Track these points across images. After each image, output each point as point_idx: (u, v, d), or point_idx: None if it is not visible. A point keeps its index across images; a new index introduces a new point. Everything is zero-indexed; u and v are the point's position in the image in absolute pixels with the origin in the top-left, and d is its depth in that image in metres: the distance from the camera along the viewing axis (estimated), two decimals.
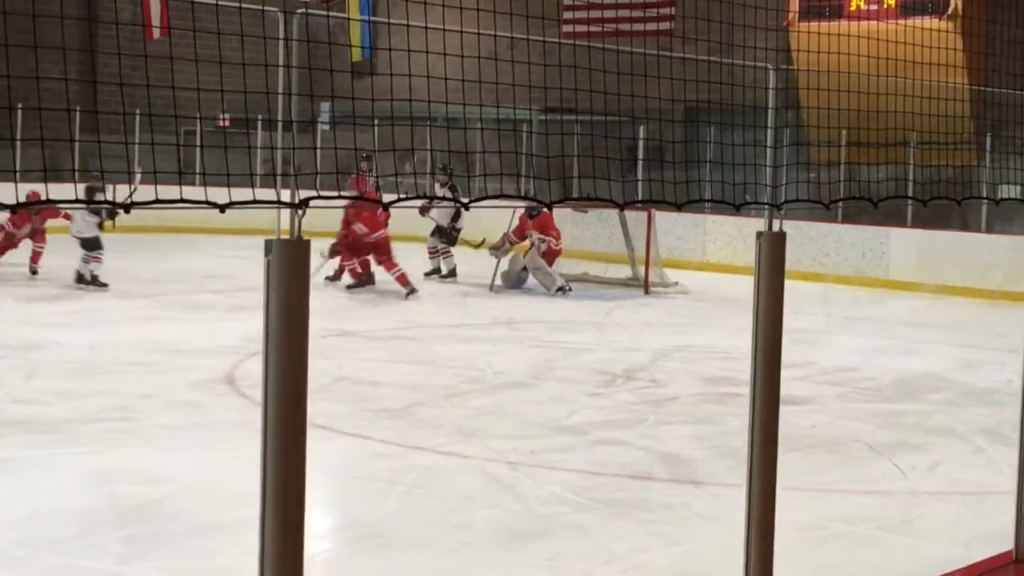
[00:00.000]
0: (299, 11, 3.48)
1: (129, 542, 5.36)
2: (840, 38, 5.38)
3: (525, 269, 16.03)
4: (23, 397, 8.33)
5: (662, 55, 5.01)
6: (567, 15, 22.66)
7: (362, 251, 14.95)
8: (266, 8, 3.50)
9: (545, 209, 15.51)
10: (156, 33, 17.89)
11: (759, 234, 4.10)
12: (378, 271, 15.01)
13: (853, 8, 20.18)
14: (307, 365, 3.04)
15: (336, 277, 15.24)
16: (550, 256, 15.83)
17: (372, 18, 25.77)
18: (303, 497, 3.03)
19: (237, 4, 3.38)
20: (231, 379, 9.14)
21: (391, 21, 4.03)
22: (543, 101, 4.46)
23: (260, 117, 3.69)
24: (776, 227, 4.17)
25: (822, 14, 20.09)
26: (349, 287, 14.99)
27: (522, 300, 14.87)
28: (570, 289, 15.59)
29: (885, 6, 19.85)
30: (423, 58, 3.60)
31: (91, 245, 14.17)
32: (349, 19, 26.11)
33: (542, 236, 15.67)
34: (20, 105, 3.11)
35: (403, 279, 14.72)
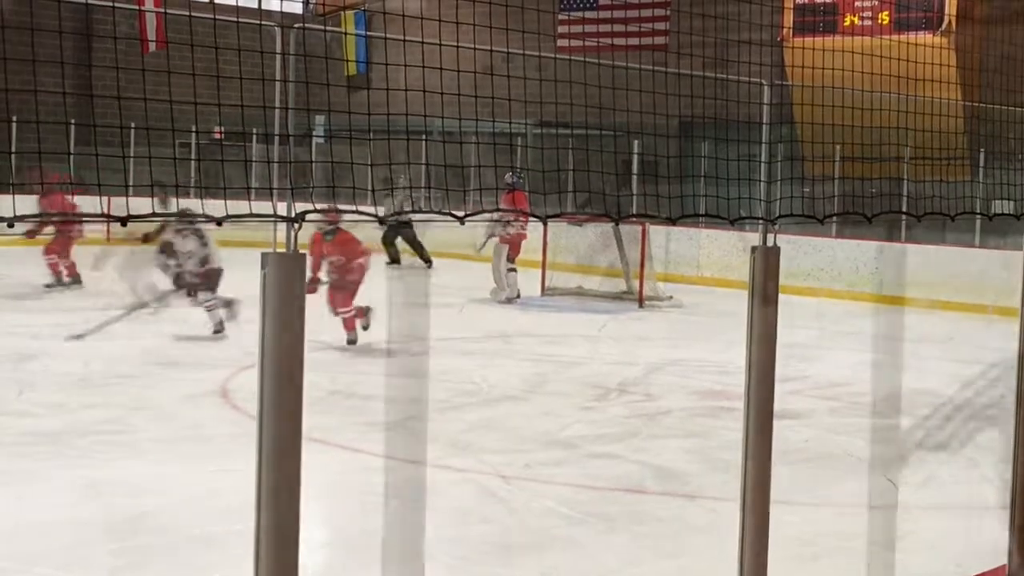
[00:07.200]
0: (296, 26, 3.50)
1: (120, 555, 5.35)
2: (834, 53, 5.40)
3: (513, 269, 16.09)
4: (15, 409, 8.31)
5: (656, 70, 5.02)
6: (562, 29, 22.74)
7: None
8: (263, 23, 3.51)
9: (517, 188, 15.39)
10: (153, 47, 17.91)
11: (753, 248, 4.11)
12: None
13: (847, 24, 20.25)
14: (302, 378, 3.04)
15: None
16: (514, 244, 15.81)
17: (368, 33, 25.80)
18: (298, 510, 3.03)
19: (235, 19, 3.39)
20: (224, 392, 9.13)
21: (387, 36, 4.04)
22: (538, 115, 4.47)
23: (255, 130, 3.69)
24: (770, 241, 4.18)
25: (816, 29, 20.16)
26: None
27: (514, 314, 14.86)
28: (518, 298, 15.83)
29: (879, 22, 19.92)
30: (418, 72, 3.61)
31: None
32: (345, 34, 26.14)
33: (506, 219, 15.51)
34: (15, 118, 3.13)
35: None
